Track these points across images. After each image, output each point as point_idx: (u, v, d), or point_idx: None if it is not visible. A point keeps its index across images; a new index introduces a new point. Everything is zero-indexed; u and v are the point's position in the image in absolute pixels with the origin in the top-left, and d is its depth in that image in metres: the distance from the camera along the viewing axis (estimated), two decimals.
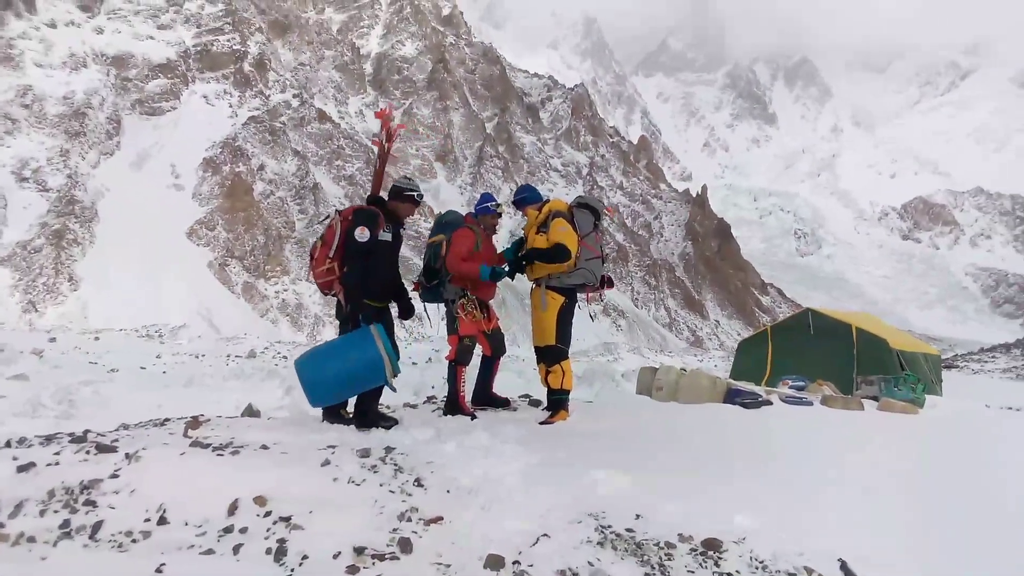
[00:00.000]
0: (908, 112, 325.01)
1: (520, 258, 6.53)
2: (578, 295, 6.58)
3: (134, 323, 47.12)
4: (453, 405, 6.57)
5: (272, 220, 70.63)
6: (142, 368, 25.57)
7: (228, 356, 32.56)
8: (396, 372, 5.65)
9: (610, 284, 6.71)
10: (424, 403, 7.80)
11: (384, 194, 6.23)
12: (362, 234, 5.72)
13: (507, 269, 6.59)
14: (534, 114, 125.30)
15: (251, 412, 6.21)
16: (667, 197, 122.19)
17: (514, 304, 75.61)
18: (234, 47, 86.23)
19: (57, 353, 26.63)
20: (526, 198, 6.93)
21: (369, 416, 5.87)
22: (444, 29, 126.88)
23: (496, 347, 6.85)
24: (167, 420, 5.84)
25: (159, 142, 73.69)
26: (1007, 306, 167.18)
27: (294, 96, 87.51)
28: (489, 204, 6.92)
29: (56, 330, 38.92)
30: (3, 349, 23.49)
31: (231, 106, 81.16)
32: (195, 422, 5.20)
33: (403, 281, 6.21)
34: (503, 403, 6.97)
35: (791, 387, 8.61)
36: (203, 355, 31.62)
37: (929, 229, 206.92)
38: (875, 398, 8.38)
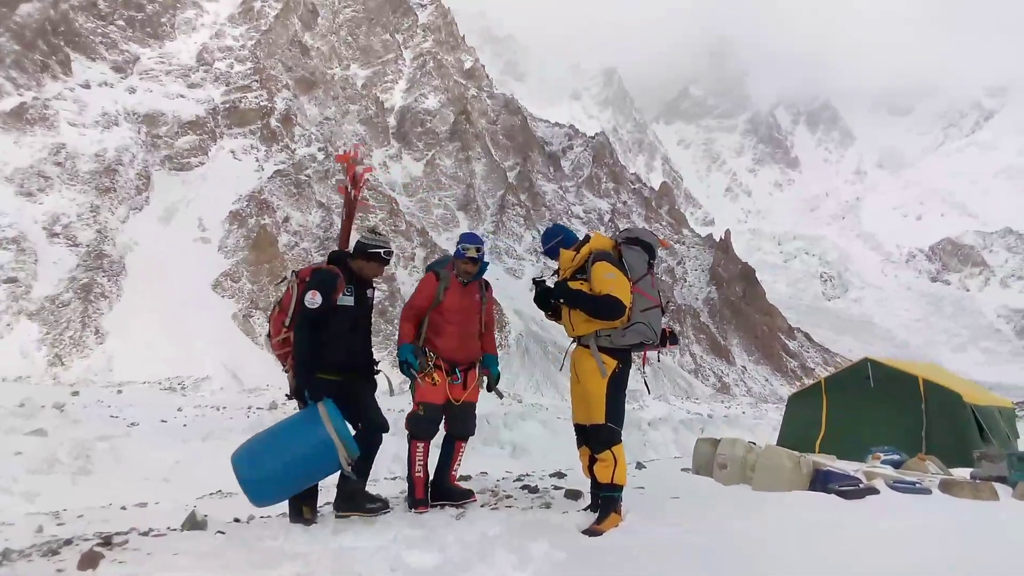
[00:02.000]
0: (933, 154, 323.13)
1: (553, 292, 5.08)
2: (633, 357, 5.13)
3: (158, 375, 47.62)
4: (410, 490, 5.46)
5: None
6: (163, 421, 25.75)
7: (249, 408, 32.75)
8: (352, 455, 4.84)
9: (674, 341, 5.09)
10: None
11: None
12: (312, 299, 4.97)
13: (413, 364, 5.33)
14: (555, 162, 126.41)
15: (194, 523, 4.96)
16: (690, 242, 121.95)
17: (536, 351, 75.29)
18: (261, 103, 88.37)
19: (79, 407, 26.94)
20: (560, 241, 5.30)
21: (356, 499, 5.16)
22: (466, 82, 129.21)
23: (457, 426, 5.55)
24: (69, 542, 4.67)
25: (187, 196, 75.27)
26: None
27: (319, 149, 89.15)
28: (460, 246, 5.58)
29: (80, 383, 39.45)
30: (24, 404, 23.80)
31: (257, 160, 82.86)
32: (94, 556, 3.94)
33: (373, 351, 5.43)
34: (462, 495, 5.50)
35: (884, 461, 7.20)
36: (224, 407, 31.82)
37: (958, 271, 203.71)
38: (1001, 479, 6.41)
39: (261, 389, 43.55)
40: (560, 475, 7.40)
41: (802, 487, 5.61)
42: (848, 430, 10.78)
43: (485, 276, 5.83)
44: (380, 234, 5.46)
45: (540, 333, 73.53)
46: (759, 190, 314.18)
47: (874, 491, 5.31)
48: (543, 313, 5.33)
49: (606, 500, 4.80)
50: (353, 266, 5.31)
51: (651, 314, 4.90)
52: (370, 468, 5.39)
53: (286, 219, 75.56)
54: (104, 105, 76.80)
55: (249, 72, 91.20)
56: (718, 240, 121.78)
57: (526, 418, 31.51)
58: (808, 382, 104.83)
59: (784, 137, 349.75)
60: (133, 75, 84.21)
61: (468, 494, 5.53)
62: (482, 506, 5.47)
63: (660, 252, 5.20)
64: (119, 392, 35.89)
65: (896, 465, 7.13)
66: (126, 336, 56.89)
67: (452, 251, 5.72)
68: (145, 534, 4.52)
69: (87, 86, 77.60)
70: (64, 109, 72.73)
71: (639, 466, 12.14)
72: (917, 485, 5.65)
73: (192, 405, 31.35)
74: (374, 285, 5.55)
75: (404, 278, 76.31)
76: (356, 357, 5.28)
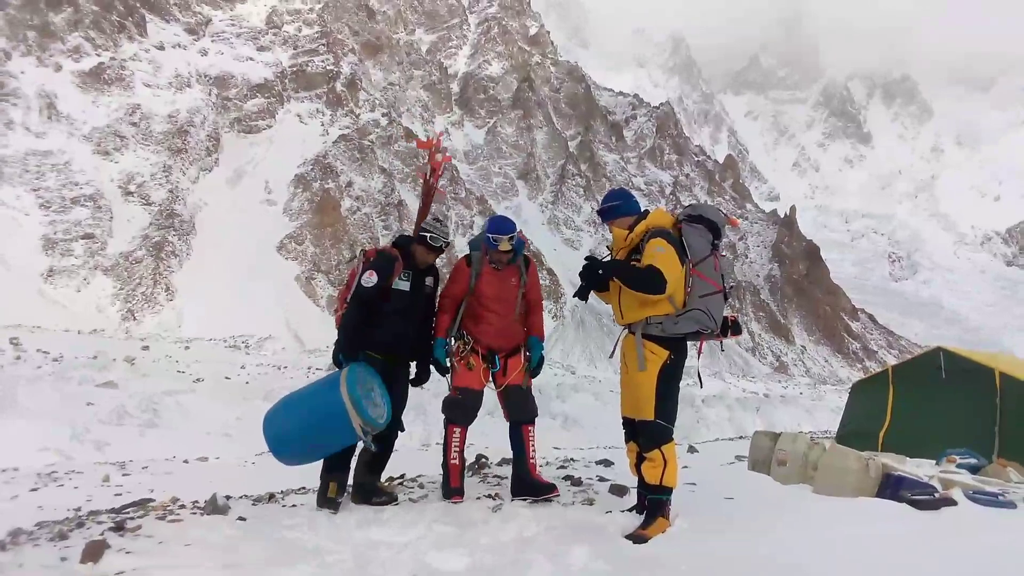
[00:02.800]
0: (1014, 131, 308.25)
1: (600, 270, 4.57)
2: (689, 346, 4.64)
3: (224, 333, 49.06)
4: (444, 479, 5.21)
5: (358, 235, 72.44)
6: (227, 378, 26.60)
7: (309, 368, 33.52)
8: (372, 426, 4.70)
9: (736, 330, 4.58)
10: (471, 475, 6.13)
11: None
12: (368, 279, 5.02)
13: (443, 361, 5.16)
14: (618, 132, 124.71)
15: (215, 507, 4.71)
16: (753, 218, 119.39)
17: (591, 323, 75.18)
18: (327, 67, 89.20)
19: (148, 361, 27.99)
20: (617, 207, 4.78)
21: (365, 491, 5.12)
22: (530, 49, 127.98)
23: (514, 409, 5.22)
24: (81, 524, 4.43)
25: (254, 159, 76.83)
26: None
27: (383, 115, 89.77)
28: (492, 237, 5.15)
29: (150, 338, 40.91)
30: (97, 356, 24.88)
31: (323, 124, 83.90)
32: (98, 546, 3.67)
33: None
34: (547, 489, 5.06)
35: (959, 465, 6.53)
36: (285, 367, 32.64)
37: None
38: None
39: (321, 350, 44.46)
40: (607, 463, 7.08)
41: (870, 493, 5.11)
42: (914, 424, 9.99)
43: (527, 253, 5.50)
44: (442, 223, 5.36)
45: (595, 305, 73.18)
46: (828, 166, 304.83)
47: (951, 502, 4.74)
48: (583, 294, 4.82)
49: (654, 503, 4.39)
50: (414, 251, 5.26)
51: (711, 300, 4.42)
52: (383, 464, 5.34)
53: (349, 184, 76.57)
54: (177, 67, 78.59)
55: (316, 36, 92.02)
56: (783, 216, 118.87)
57: (579, 390, 31.47)
58: (871, 365, 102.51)
59: (857, 111, 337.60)
60: (205, 37, 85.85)
61: (551, 488, 5.09)
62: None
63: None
64: (187, 348, 37.13)
65: (973, 470, 6.48)
66: (194, 294, 58.84)
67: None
68: (163, 517, 4.33)
69: (161, 47, 79.44)
70: (139, 70, 74.69)
71: (691, 449, 12.00)
72: (1000, 497, 5.02)
73: (255, 363, 32.23)
74: (437, 275, 5.43)
75: (463, 246, 76.75)
76: (403, 342, 5.22)
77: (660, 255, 4.32)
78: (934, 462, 6.48)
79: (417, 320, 5.28)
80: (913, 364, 11.71)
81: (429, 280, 5.36)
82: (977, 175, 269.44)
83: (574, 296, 4.80)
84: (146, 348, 34.07)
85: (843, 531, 3.96)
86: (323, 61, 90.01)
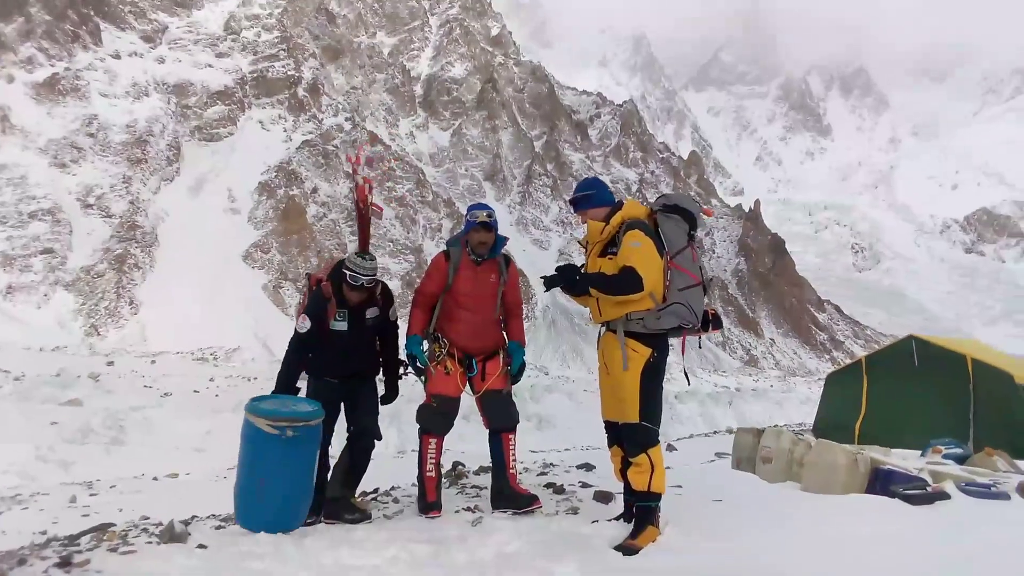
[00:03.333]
0: (970, 121, 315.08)
1: (580, 280, 4.39)
2: (670, 343, 4.44)
3: (191, 345, 48.29)
4: (420, 493, 4.97)
5: (325, 242, 71.77)
6: (195, 392, 26.15)
7: None
8: (283, 418, 4.36)
9: (717, 324, 4.48)
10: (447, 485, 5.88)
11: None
12: (302, 324, 4.89)
13: (420, 357, 4.94)
14: (583, 131, 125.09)
15: (172, 535, 4.31)
16: (719, 213, 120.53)
17: (563, 323, 75.28)
18: (288, 72, 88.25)
19: (114, 377, 27.41)
20: (590, 197, 4.58)
21: (339, 506, 4.92)
22: (493, 49, 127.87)
23: (492, 416, 5.00)
24: (23, 561, 3.82)
25: (216, 167, 75.65)
26: None
27: (346, 119, 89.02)
28: (469, 214, 5.00)
29: (115, 353, 40.10)
30: (60, 374, 24.29)
31: (285, 130, 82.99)
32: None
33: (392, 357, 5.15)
34: (528, 501, 4.83)
35: (946, 455, 6.46)
36: (255, 377, 32.18)
37: (994, 241, 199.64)
38: None
39: None
40: (588, 467, 6.88)
41: (859, 489, 5.00)
42: (890, 413, 10.19)
43: (506, 252, 5.25)
44: (365, 257, 4.93)
45: (567, 305, 73.35)
46: (790, 159, 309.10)
47: (944, 495, 4.66)
48: (550, 285, 4.55)
49: (642, 511, 4.18)
50: (346, 294, 4.95)
51: (691, 293, 4.24)
52: (358, 477, 5.16)
53: (314, 190, 75.79)
54: (134, 75, 77.13)
55: (276, 41, 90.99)
56: (747, 210, 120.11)
57: (552, 391, 31.49)
58: (838, 355, 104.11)
59: (816, 104, 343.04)
60: (162, 44, 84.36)
61: (532, 499, 4.87)
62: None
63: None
64: (153, 362, 36.44)
65: (960, 460, 6.46)
66: (159, 306, 57.78)
67: (502, 229, 5.21)
68: (115, 549, 4.05)
69: (117, 56, 77.92)
70: (95, 80, 73.17)
71: (669, 447, 12.02)
72: (992, 488, 4.99)
73: (224, 375, 31.74)
74: (386, 301, 5.16)
75: (432, 250, 76.38)
76: (354, 368, 5.05)
77: (637, 251, 4.15)
78: (920, 453, 6.48)
79: (367, 350, 5.06)
80: (886, 353, 11.90)
81: (371, 311, 5.06)
82: (934, 165, 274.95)
83: (543, 283, 4.54)
84: (111, 363, 33.40)
85: (842, 533, 3.80)
86: (284, 66, 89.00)
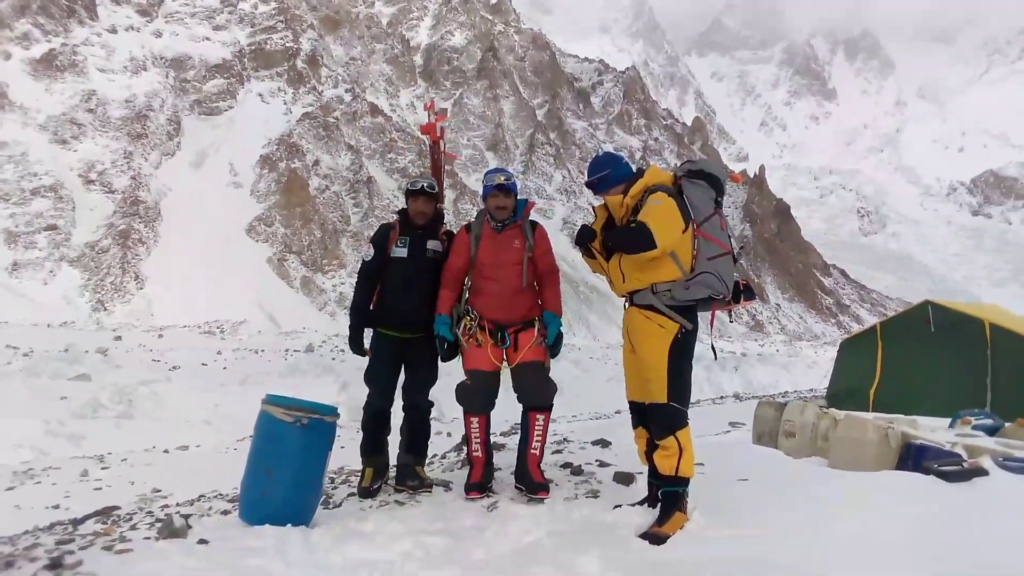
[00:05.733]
0: (976, 83, 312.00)
1: (577, 239, 4.32)
2: (699, 316, 4.13)
3: (198, 319, 48.44)
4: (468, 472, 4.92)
5: (328, 215, 71.55)
6: (203, 364, 26.21)
7: (286, 351, 33.17)
8: (306, 409, 4.30)
9: (749, 295, 4.13)
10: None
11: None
12: (367, 252, 5.11)
13: (447, 338, 4.77)
14: (585, 99, 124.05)
15: (172, 530, 4.08)
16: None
17: (566, 290, 75.16)
18: (287, 44, 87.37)
19: (121, 352, 27.47)
20: (608, 176, 4.28)
21: (403, 475, 5.02)
22: (493, 17, 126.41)
23: (522, 393, 4.76)
24: (11, 563, 3.40)
25: (217, 141, 75.26)
26: None
27: (346, 91, 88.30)
28: (486, 178, 4.87)
29: (122, 328, 40.25)
30: (68, 349, 24.31)
31: (285, 103, 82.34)
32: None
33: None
34: (535, 488, 4.63)
35: (975, 427, 6.10)
36: (262, 350, 32.28)
37: (1000, 203, 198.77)
38: None
39: (298, 332, 44.08)
40: (604, 443, 6.60)
41: (890, 465, 4.72)
42: (905, 380, 9.90)
43: (532, 218, 5.03)
44: (424, 175, 5.27)
45: (570, 273, 73.24)
46: (795, 124, 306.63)
47: (982, 472, 4.31)
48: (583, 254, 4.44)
49: (669, 496, 3.92)
50: (408, 209, 5.12)
51: (720, 262, 3.94)
52: (421, 444, 5.20)
53: (316, 162, 75.35)
54: (132, 50, 76.38)
55: (273, 12, 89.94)
56: (752, 176, 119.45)
57: (558, 358, 31.46)
58: (844, 319, 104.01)
59: (821, 68, 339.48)
60: (158, 18, 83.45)
61: (540, 488, 4.63)
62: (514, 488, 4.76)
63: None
64: (160, 336, 36.58)
65: (991, 432, 6.03)
66: (165, 281, 57.84)
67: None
68: (109, 547, 3.81)
69: (114, 31, 77.10)
70: (92, 55, 72.50)
71: None
72: None
73: (231, 348, 31.82)
74: (440, 237, 5.17)
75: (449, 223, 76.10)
76: (412, 314, 4.99)
77: (656, 208, 3.86)
78: (948, 424, 6.30)
79: (427, 288, 4.99)
80: (901, 319, 11.64)
81: (433, 243, 5.09)
82: (940, 128, 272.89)
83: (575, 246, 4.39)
84: (118, 338, 33.51)
85: (880, 515, 3.57)
86: (282, 38, 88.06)
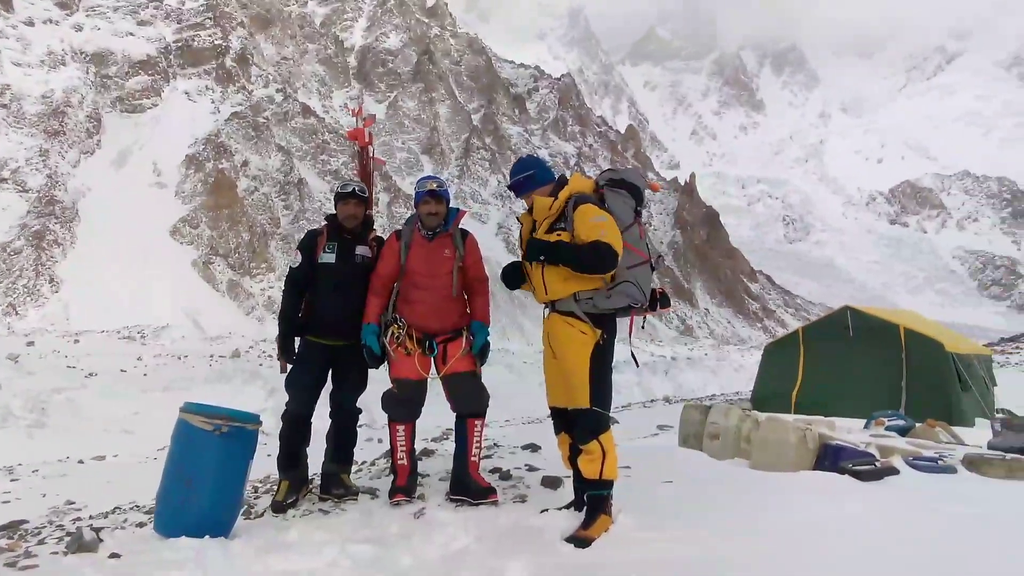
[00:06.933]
0: (896, 97, 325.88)
1: (529, 251, 4.14)
2: (618, 323, 4.20)
3: (117, 324, 46.61)
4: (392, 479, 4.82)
5: (257, 217, 69.91)
6: (122, 371, 25.25)
7: (211, 356, 32.28)
8: (226, 416, 4.16)
9: (665, 303, 4.20)
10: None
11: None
12: (294, 259, 5.04)
13: (373, 347, 4.66)
14: (521, 105, 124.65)
15: (81, 544, 3.85)
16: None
17: (501, 296, 75.23)
18: (215, 42, 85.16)
19: (34, 358, 26.26)
20: (532, 177, 4.30)
21: (328, 483, 4.92)
22: (429, 21, 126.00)
23: (461, 401, 4.75)
24: None
25: (140, 140, 72.73)
26: (994, 288, 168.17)
27: (277, 91, 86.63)
28: (417, 184, 4.82)
29: (35, 333, 38.45)
30: None
31: (213, 102, 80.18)
32: None
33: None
34: (484, 493, 4.57)
35: (889, 427, 6.43)
36: (186, 356, 31.34)
37: (917, 213, 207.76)
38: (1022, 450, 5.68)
39: (224, 337, 43.00)
40: (533, 448, 6.63)
41: (808, 465, 4.91)
42: (825, 382, 10.44)
43: (463, 226, 4.99)
44: (357, 180, 5.21)
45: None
46: (724, 133, 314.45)
47: (893, 471, 4.60)
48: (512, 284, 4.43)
49: (593, 499, 3.96)
50: (337, 214, 5.03)
51: (639, 271, 4.02)
52: (348, 452, 5.12)
53: (245, 163, 73.59)
54: (49, 43, 73.29)
55: (202, 9, 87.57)
56: (683, 184, 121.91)
57: (492, 363, 31.39)
58: (770, 324, 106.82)
59: (750, 80, 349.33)
60: (79, 11, 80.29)
61: (488, 492, 4.58)
62: (446, 498, 4.68)
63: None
64: (76, 342, 35.10)
65: (902, 432, 6.45)
66: (82, 284, 55.43)
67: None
68: (13, 564, 3.61)
69: (30, 23, 73.85)
70: (7, 48, 69.30)
71: (611, 420, 12.04)
72: (939, 462, 4.97)
73: (152, 354, 30.78)
74: (370, 243, 5.09)
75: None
76: (342, 321, 4.86)
77: (601, 224, 3.87)
78: (863, 425, 6.52)
79: (356, 295, 4.88)
80: (822, 324, 12.27)
81: (362, 249, 5.01)
82: (862, 139, 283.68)
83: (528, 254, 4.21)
84: (31, 344, 32.07)
85: (798, 516, 3.67)
86: (210, 35, 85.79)
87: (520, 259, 4.33)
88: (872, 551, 3.24)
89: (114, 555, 3.72)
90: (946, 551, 3.22)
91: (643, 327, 4.40)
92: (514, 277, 4.39)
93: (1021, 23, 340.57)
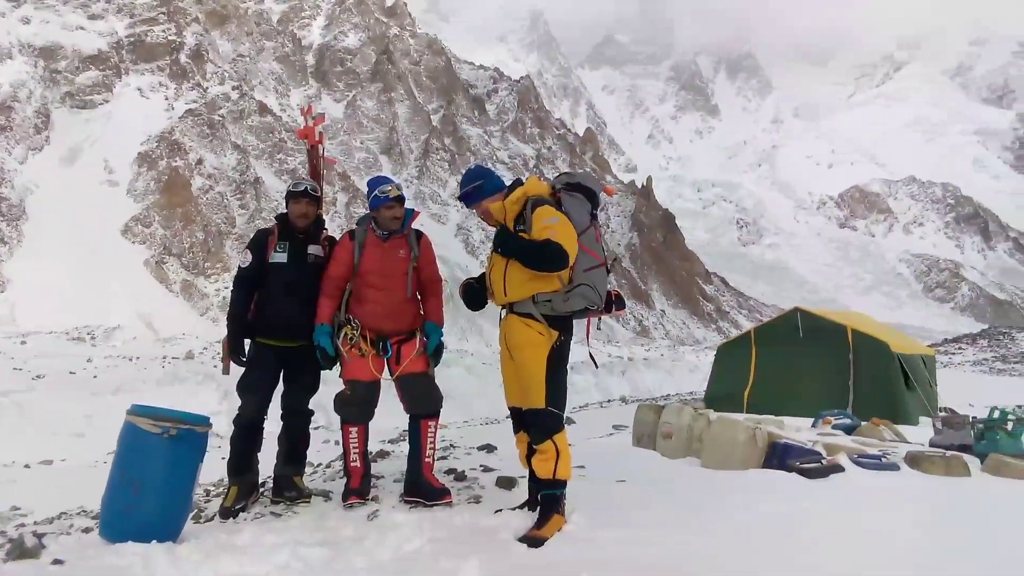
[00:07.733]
0: (846, 104, 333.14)
1: (494, 242, 4.20)
2: (574, 324, 4.27)
3: (66, 325, 45.47)
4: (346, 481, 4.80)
5: (212, 216, 68.75)
6: (71, 373, 24.67)
7: (164, 358, 31.74)
8: (174, 419, 4.10)
9: (620, 305, 4.24)
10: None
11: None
12: (244, 258, 4.92)
13: (327, 348, 4.65)
14: (480, 106, 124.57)
15: (23, 550, 3.76)
16: (613, 189, 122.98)
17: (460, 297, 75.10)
18: (169, 38, 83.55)
19: None
20: (481, 187, 4.37)
21: (278, 481, 4.88)
22: (388, 20, 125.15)
23: (410, 401, 4.75)
24: None
25: (91, 137, 70.99)
26: (938, 291, 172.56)
27: (233, 88, 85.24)
28: (377, 190, 4.75)
29: None
30: None
31: (167, 99, 78.64)
32: None
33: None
34: (438, 494, 4.56)
35: (835, 426, 6.61)
36: (137, 358, 30.77)
37: (865, 217, 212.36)
38: (965, 447, 5.93)
39: (177, 338, 42.22)
40: (489, 448, 6.71)
41: (757, 464, 5.03)
42: (776, 382, 10.74)
43: (416, 227, 5.00)
44: (308, 179, 5.18)
45: (464, 279, 73.41)
46: (680, 137, 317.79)
47: (838, 468, 4.75)
48: (474, 302, 4.51)
49: (547, 499, 3.99)
50: (289, 213, 4.98)
51: (595, 274, 4.07)
52: (300, 454, 5.07)
53: (199, 161, 72.29)
54: None
55: (155, 3, 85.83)
56: (640, 187, 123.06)
57: (450, 364, 31.46)
58: (724, 325, 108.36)
59: (705, 85, 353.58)
60: (27, 4, 78.07)
61: (442, 494, 4.58)
62: (400, 500, 4.67)
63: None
64: (23, 343, 34.17)
65: (848, 430, 6.65)
66: (30, 284, 53.88)
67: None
68: None
69: None
70: None
71: (568, 420, 12.16)
72: (883, 460, 5.12)
73: (103, 356, 30.15)
74: (322, 242, 5.05)
75: (333, 229, 74.38)
76: (293, 322, 4.81)
77: (556, 225, 3.93)
78: (811, 424, 6.73)
79: (308, 296, 4.84)
80: (773, 326, 12.62)
81: (314, 248, 4.98)
82: (813, 145, 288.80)
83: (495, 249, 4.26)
84: None
85: (749, 514, 3.74)
86: (164, 31, 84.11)
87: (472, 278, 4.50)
88: (821, 545, 3.36)
89: (57, 561, 3.63)
90: (890, 545, 3.35)
91: (599, 328, 4.50)
92: (474, 299, 4.49)
93: (966, 34, 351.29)
